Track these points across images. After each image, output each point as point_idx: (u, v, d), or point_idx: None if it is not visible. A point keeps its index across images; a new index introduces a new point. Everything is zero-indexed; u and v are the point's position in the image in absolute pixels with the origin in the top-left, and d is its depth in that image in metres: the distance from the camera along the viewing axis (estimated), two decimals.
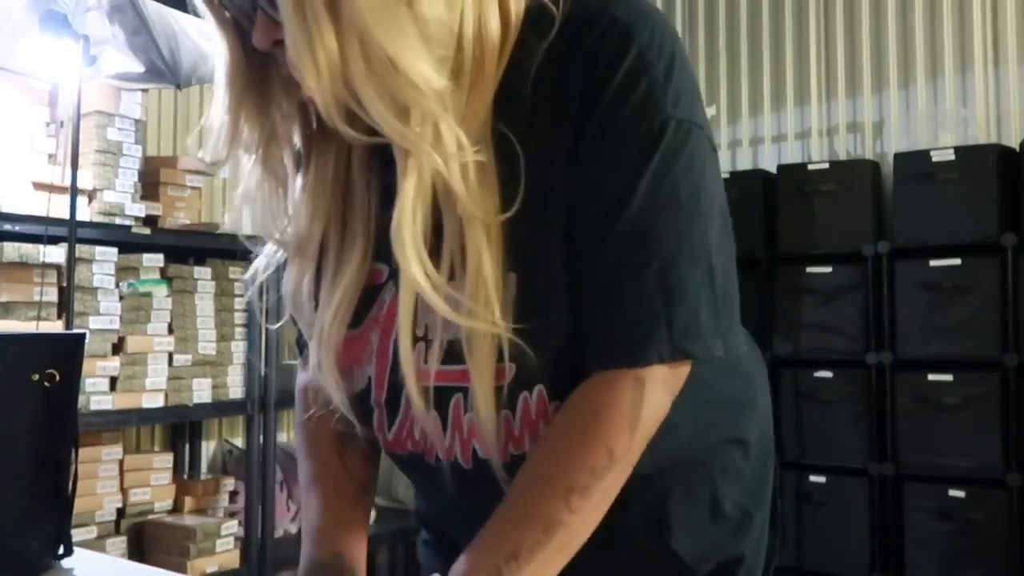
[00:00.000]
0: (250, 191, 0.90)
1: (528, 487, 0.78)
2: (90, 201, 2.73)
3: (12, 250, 2.41)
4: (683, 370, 0.80)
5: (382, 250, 0.84)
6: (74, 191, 2.29)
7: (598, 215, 0.78)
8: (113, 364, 2.64)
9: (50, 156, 2.68)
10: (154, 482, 2.88)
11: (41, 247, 2.42)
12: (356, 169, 0.87)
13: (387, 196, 0.83)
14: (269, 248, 0.95)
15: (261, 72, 0.83)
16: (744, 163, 4.07)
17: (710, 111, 3.64)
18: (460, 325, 0.77)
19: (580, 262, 0.79)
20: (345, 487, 0.97)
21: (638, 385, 0.77)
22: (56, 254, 2.47)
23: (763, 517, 0.99)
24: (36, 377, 1.23)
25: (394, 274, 0.84)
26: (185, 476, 3.13)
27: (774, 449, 1.03)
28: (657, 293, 0.77)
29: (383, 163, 0.83)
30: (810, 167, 3.60)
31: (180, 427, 3.14)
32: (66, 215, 2.31)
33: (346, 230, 0.87)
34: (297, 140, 0.88)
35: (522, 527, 0.75)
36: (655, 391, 0.78)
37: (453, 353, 0.79)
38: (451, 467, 0.86)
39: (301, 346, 1.01)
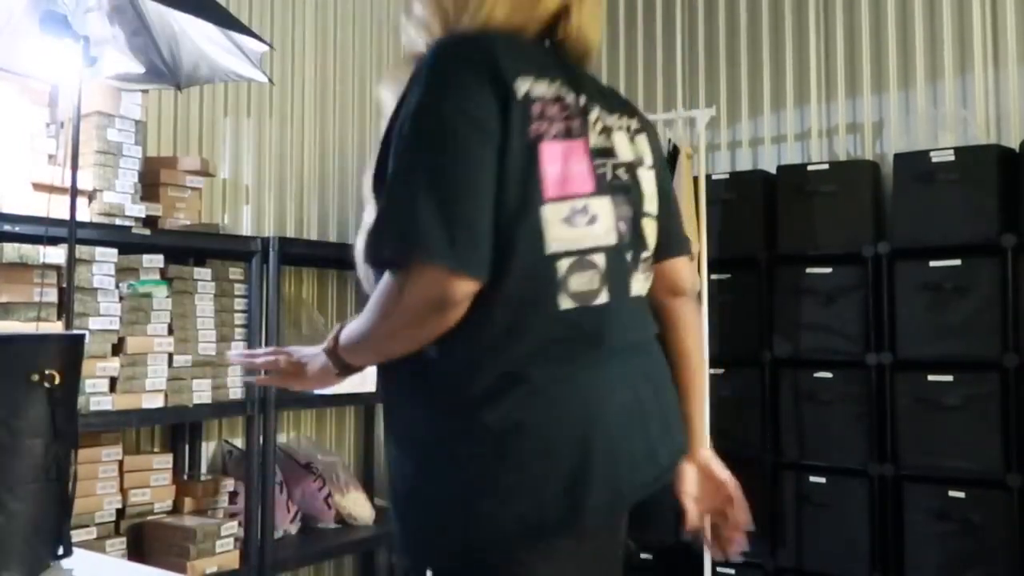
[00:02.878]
0: None
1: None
2: (90, 202, 2.73)
3: (12, 251, 2.41)
4: None
5: None
6: (74, 192, 2.29)
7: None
8: (113, 365, 2.63)
9: (50, 157, 2.68)
10: (154, 483, 2.88)
11: (41, 248, 2.42)
12: None
13: None
14: None
15: None
16: (744, 164, 4.07)
17: (710, 112, 3.64)
18: None
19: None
20: None
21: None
22: (56, 255, 2.47)
23: None
24: (36, 378, 1.23)
25: None
26: (185, 477, 3.13)
27: None
28: None
29: None
30: (810, 168, 3.60)
31: (180, 428, 3.14)
32: (66, 216, 2.30)
33: None
34: None
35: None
36: None
37: None
38: None
39: None
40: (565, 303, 1.14)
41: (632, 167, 1.28)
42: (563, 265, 1.14)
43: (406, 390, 1.20)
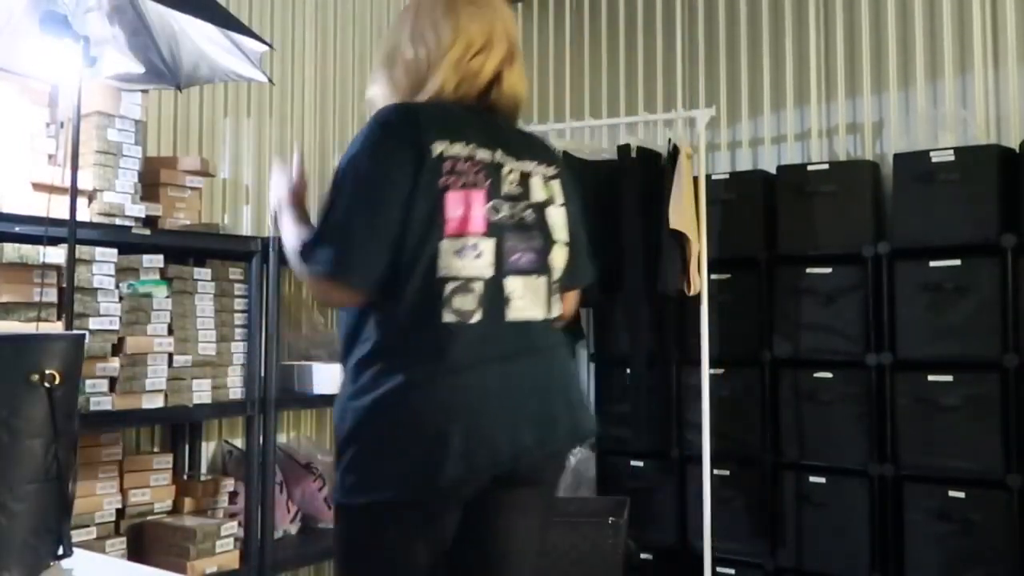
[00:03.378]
0: None
1: None
2: (90, 202, 2.73)
3: (12, 251, 2.41)
4: None
5: None
6: (74, 192, 2.29)
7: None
8: (113, 365, 2.64)
9: (50, 157, 2.68)
10: (154, 483, 2.88)
11: (41, 248, 2.42)
12: None
13: None
14: None
15: None
16: (744, 164, 4.07)
17: (710, 112, 3.63)
18: None
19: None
20: None
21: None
22: (56, 255, 2.47)
23: None
24: (36, 378, 1.23)
25: None
26: (185, 477, 3.13)
27: None
28: None
29: None
30: (810, 168, 3.60)
31: (180, 428, 3.14)
32: (66, 216, 2.30)
33: None
34: None
35: None
36: None
37: None
38: None
39: None
40: (448, 317, 1.44)
41: (542, 206, 1.59)
42: (449, 287, 1.45)
43: (351, 366, 1.52)
